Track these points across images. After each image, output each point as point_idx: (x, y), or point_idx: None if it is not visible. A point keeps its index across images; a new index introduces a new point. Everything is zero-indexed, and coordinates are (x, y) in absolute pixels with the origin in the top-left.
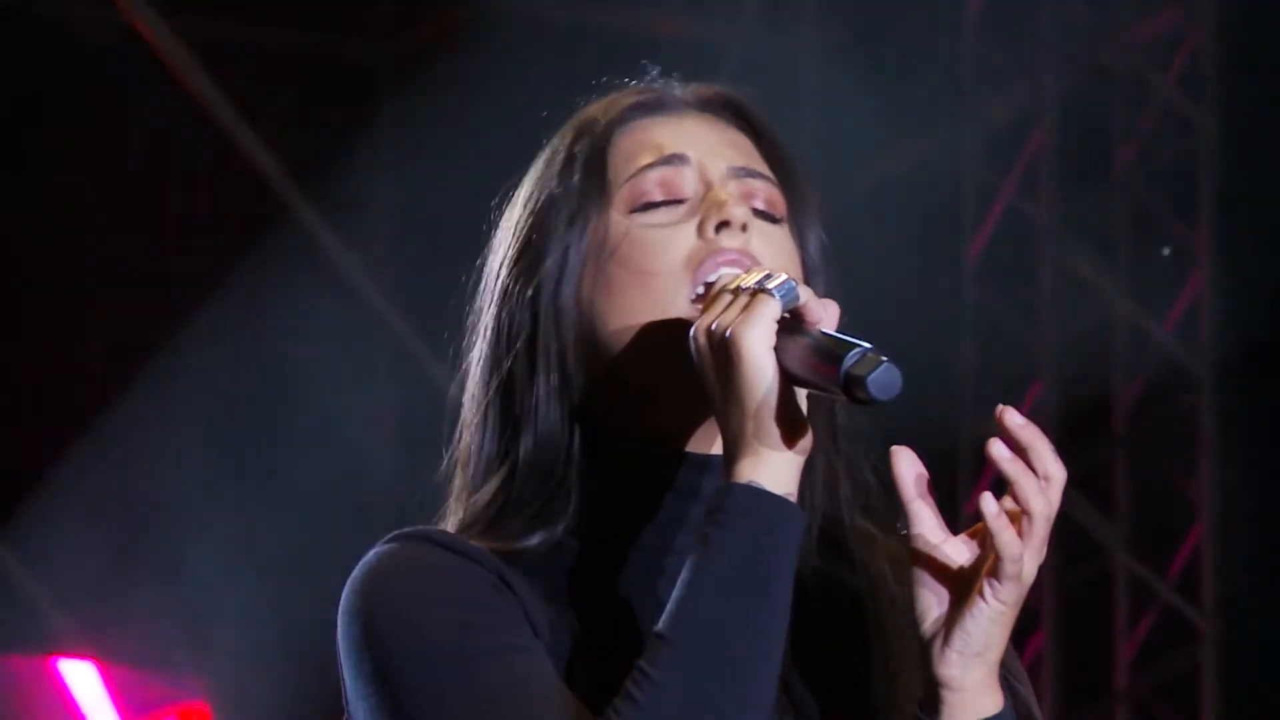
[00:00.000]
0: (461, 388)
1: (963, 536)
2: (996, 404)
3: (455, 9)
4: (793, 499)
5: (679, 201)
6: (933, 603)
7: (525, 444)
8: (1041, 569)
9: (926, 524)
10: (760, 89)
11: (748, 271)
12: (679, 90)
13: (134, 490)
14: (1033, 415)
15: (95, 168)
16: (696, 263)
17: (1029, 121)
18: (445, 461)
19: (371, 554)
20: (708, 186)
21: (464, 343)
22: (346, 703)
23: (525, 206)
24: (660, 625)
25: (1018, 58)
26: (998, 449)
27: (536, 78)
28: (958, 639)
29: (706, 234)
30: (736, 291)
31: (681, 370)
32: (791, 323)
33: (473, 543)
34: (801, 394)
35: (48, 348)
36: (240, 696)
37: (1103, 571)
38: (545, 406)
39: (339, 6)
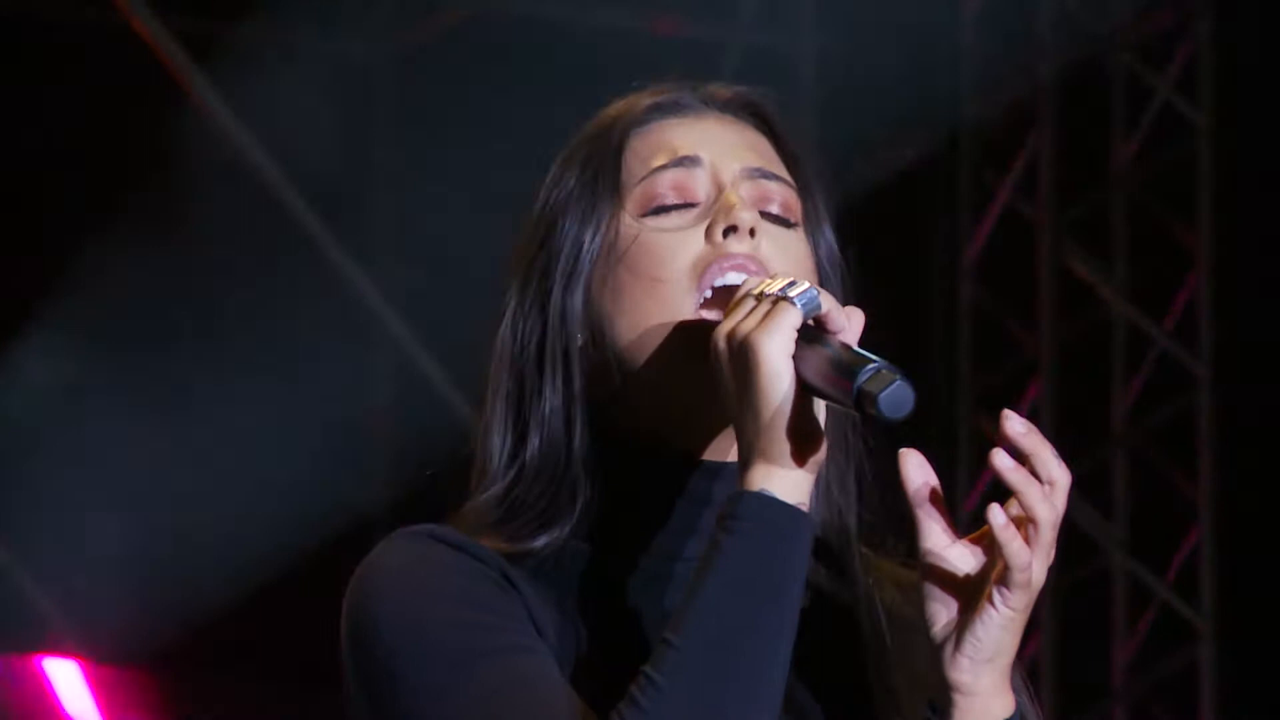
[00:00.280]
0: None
1: (969, 541)
2: (995, 404)
3: (454, 8)
4: (805, 508)
5: (691, 205)
6: (942, 609)
7: (533, 445)
8: None
9: (934, 530)
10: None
11: (772, 277)
12: (697, 91)
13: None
14: (1031, 416)
15: (93, 167)
16: (703, 267)
17: (1027, 122)
18: (450, 460)
19: (376, 550)
20: (720, 189)
21: (483, 343)
22: (348, 697)
23: (540, 207)
24: (667, 631)
25: (1016, 58)
26: (1000, 459)
27: (535, 77)
28: (969, 645)
29: (714, 238)
30: (760, 297)
31: (688, 375)
32: (813, 332)
33: (479, 542)
34: (820, 404)
35: None
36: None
37: (1101, 572)
38: (554, 408)
39: (337, 6)
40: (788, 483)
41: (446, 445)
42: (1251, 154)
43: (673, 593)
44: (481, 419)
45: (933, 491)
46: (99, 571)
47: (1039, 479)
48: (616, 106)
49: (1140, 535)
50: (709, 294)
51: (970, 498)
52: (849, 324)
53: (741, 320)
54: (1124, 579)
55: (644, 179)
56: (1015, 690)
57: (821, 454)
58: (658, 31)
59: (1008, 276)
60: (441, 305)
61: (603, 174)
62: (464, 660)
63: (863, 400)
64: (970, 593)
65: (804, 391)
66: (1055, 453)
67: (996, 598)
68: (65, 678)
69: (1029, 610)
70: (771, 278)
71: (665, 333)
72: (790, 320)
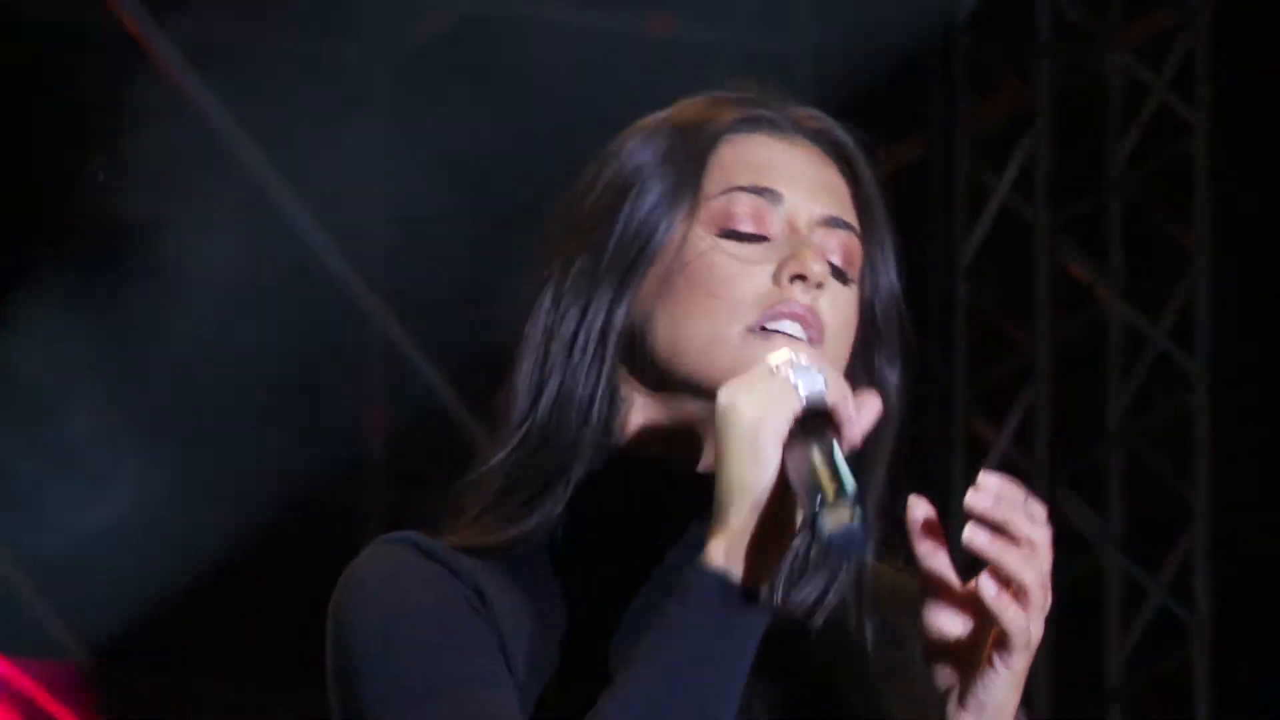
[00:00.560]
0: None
1: (966, 593)
2: (991, 403)
3: (450, 8)
4: (762, 590)
5: (763, 238)
6: (945, 662)
7: (545, 413)
8: None
9: (938, 587)
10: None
11: (797, 351)
12: (787, 110)
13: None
14: (1027, 415)
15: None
16: (763, 306)
17: (1023, 121)
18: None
19: (358, 559)
20: (793, 230)
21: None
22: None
23: (602, 187)
24: (604, 694)
25: (1011, 58)
26: (972, 535)
27: (530, 78)
28: (971, 702)
29: (781, 280)
30: (775, 371)
31: (707, 395)
32: (815, 422)
33: (458, 547)
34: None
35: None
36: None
37: (1095, 571)
38: (574, 388)
39: (334, 5)
40: (750, 565)
41: (442, 446)
42: (1248, 154)
43: (651, 596)
44: (509, 379)
45: (940, 537)
46: (91, 574)
47: (1019, 541)
48: (701, 105)
49: (1135, 535)
50: (759, 330)
51: (962, 500)
52: (858, 418)
53: (748, 389)
54: (1118, 579)
55: (723, 193)
56: None
57: (791, 542)
58: (653, 31)
59: (1004, 276)
60: (434, 305)
61: (685, 175)
62: (424, 687)
63: (815, 524)
64: (971, 649)
65: (784, 484)
66: (1030, 505)
67: (997, 660)
68: (60, 680)
69: (1029, 663)
70: (797, 351)
71: (703, 350)
72: (791, 407)
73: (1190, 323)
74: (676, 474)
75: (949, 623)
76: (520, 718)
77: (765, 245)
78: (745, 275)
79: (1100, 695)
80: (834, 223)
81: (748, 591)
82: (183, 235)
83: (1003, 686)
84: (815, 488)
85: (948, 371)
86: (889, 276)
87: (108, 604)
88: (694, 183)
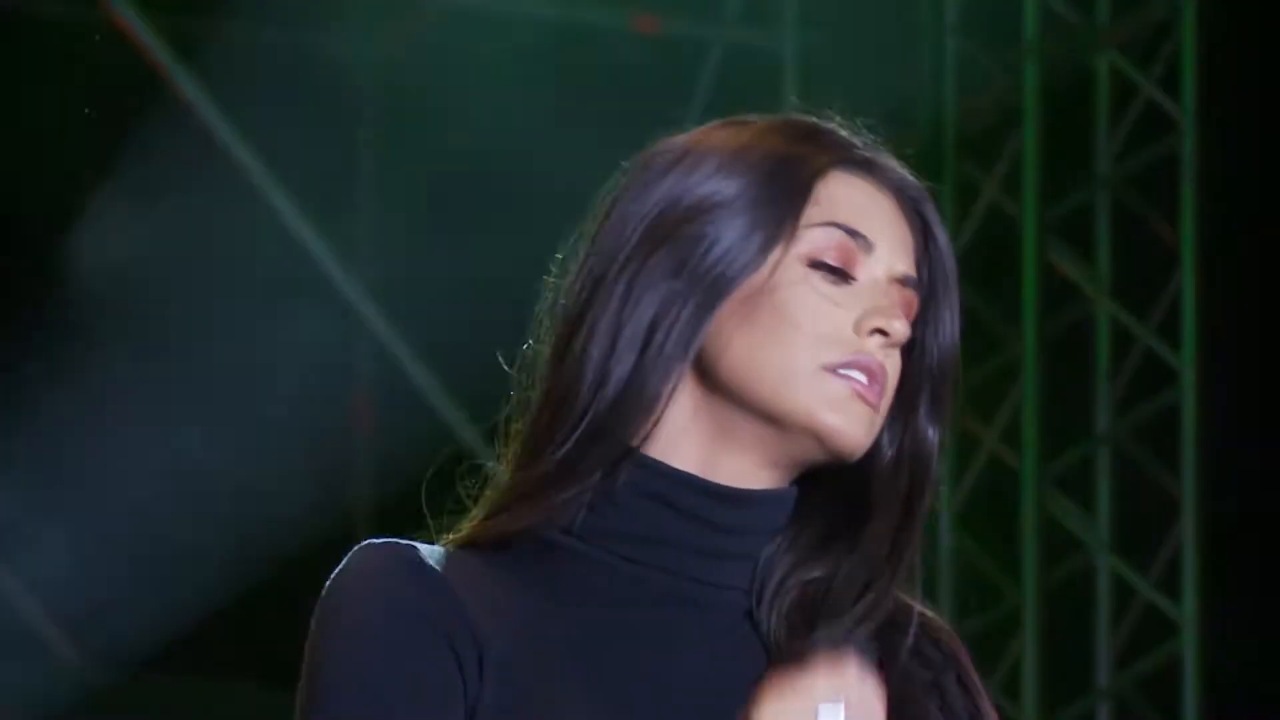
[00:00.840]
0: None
1: None
2: (978, 401)
3: (436, 6)
4: None
5: (850, 279)
6: None
7: (605, 410)
8: (1022, 566)
9: None
10: (743, 88)
11: (838, 714)
12: (880, 159)
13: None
14: (1014, 412)
15: (87, 168)
16: (841, 349)
17: (1010, 120)
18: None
19: (344, 563)
20: (875, 282)
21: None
22: None
23: (682, 193)
24: None
25: (999, 56)
26: None
27: (517, 75)
28: None
29: (862, 329)
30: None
31: (762, 419)
32: None
33: (465, 543)
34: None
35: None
36: None
37: (1084, 569)
38: (642, 386)
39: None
40: None
41: (429, 444)
42: (1235, 151)
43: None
44: (558, 354)
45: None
46: (81, 580)
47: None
48: (801, 129)
49: (1123, 533)
50: (834, 371)
51: (952, 497)
52: None
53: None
54: (1107, 576)
55: (821, 226)
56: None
57: None
58: (639, 29)
59: (991, 273)
60: (423, 300)
61: (790, 202)
62: None
63: None
64: None
65: None
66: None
67: None
68: None
69: None
70: (866, 403)
71: (779, 380)
72: None
73: (1178, 321)
74: (712, 486)
75: None
76: None
77: (850, 289)
78: (829, 315)
79: (1089, 693)
80: (909, 282)
81: None
82: (176, 232)
83: None
84: None
85: None
86: (953, 336)
87: (148, 616)
88: (796, 211)
